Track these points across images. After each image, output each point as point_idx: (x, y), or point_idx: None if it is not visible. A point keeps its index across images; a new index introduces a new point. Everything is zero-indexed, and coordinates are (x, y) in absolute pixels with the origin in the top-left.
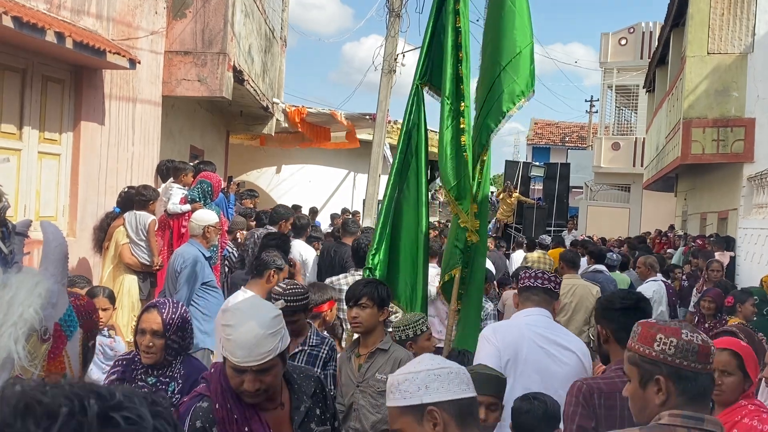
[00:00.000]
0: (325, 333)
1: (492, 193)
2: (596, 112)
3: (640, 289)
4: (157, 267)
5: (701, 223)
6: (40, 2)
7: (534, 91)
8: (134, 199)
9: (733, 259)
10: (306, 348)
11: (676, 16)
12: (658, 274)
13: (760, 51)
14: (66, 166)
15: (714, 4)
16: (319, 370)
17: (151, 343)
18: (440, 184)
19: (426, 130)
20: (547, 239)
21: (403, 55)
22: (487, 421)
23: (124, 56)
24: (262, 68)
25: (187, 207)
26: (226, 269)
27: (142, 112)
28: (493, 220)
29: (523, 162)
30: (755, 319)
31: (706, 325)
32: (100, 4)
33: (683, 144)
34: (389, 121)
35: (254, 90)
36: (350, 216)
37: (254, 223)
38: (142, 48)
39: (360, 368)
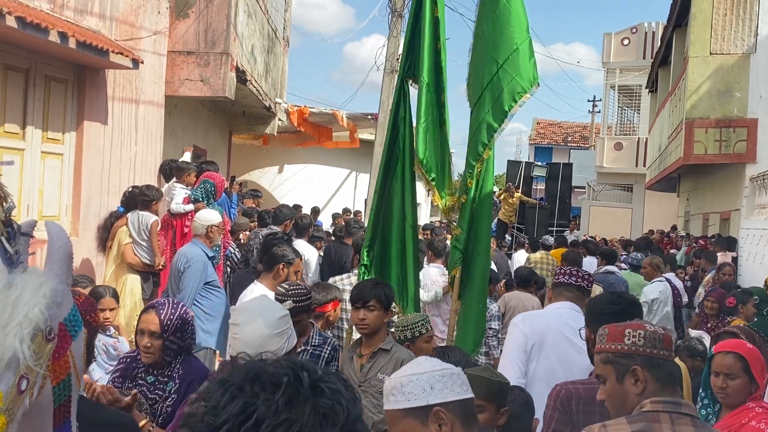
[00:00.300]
0: (328, 332)
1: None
2: (599, 112)
3: (645, 289)
4: (160, 267)
5: (704, 223)
6: (44, 2)
7: (539, 84)
8: (137, 199)
9: (735, 260)
10: (308, 348)
11: (679, 17)
12: (664, 275)
13: (762, 51)
14: (69, 166)
15: (717, 4)
16: None
17: (149, 344)
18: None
19: (412, 124)
20: (549, 239)
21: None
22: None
23: (127, 56)
24: (265, 68)
25: (191, 207)
26: (229, 269)
27: (145, 112)
28: (495, 220)
29: (526, 162)
30: (755, 319)
31: (709, 325)
32: (103, 4)
33: (686, 144)
34: None
35: (257, 90)
36: (351, 216)
37: (254, 223)
38: (145, 48)
39: (362, 368)
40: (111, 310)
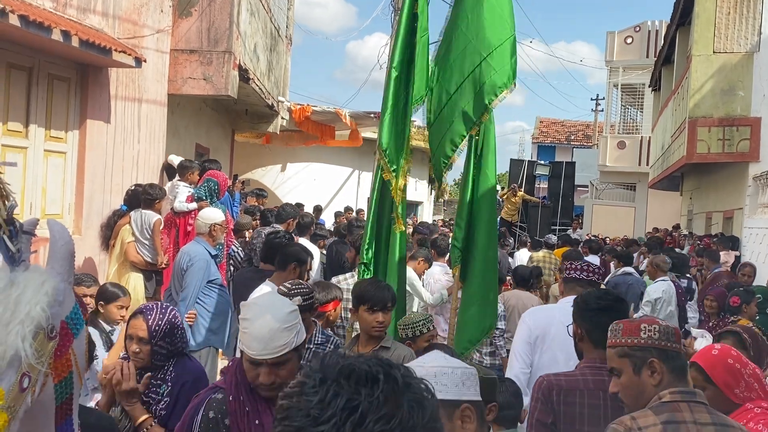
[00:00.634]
0: (329, 331)
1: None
2: (602, 110)
3: (648, 289)
4: (163, 265)
5: (706, 222)
6: (47, 0)
7: (516, 84)
8: (141, 197)
9: (738, 259)
10: (311, 346)
11: (682, 15)
12: (668, 274)
13: (766, 50)
14: (72, 164)
15: (720, 3)
16: None
17: (137, 349)
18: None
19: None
20: (553, 238)
21: None
22: None
23: (129, 55)
24: (268, 67)
25: (194, 205)
26: (232, 268)
27: (147, 110)
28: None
29: (528, 160)
30: (757, 317)
31: (710, 324)
32: (106, 3)
33: (689, 143)
34: None
35: (259, 88)
36: (353, 214)
37: (257, 222)
38: (148, 46)
39: None
40: (127, 308)
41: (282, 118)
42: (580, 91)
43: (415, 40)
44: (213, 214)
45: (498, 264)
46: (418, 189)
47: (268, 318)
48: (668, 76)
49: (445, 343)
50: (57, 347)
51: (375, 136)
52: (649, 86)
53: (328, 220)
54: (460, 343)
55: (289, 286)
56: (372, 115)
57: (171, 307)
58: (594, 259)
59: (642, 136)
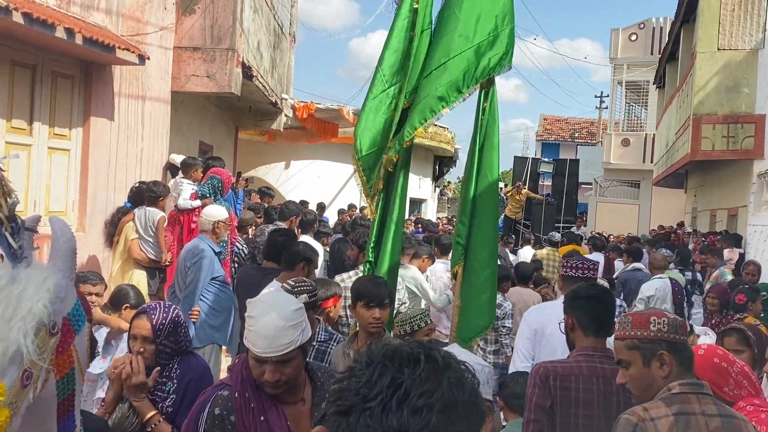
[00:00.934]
0: (329, 328)
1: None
2: (606, 107)
3: (643, 286)
4: (167, 263)
5: (711, 219)
6: None
7: (510, 66)
8: (144, 195)
9: (742, 256)
10: (315, 344)
11: (687, 12)
12: (666, 271)
13: None
14: (75, 162)
15: (725, 0)
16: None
17: (142, 349)
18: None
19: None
20: (556, 236)
21: None
22: None
23: (133, 52)
24: (271, 64)
25: (198, 203)
26: (236, 265)
27: (151, 107)
28: (502, 217)
29: (532, 158)
30: (762, 315)
31: (713, 321)
32: (110, 0)
33: (693, 140)
34: None
35: (263, 86)
36: (357, 211)
37: (261, 219)
38: (151, 44)
39: None
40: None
41: (285, 115)
42: (584, 88)
43: (412, 35)
44: (216, 212)
45: (500, 263)
46: (421, 186)
47: (273, 316)
48: (672, 73)
49: (446, 340)
50: (59, 343)
51: None
52: (654, 83)
53: (331, 217)
54: (457, 341)
55: (293, 283)
56: None
57: (174, 305)
58: (598, 257)
59: (646, 134)
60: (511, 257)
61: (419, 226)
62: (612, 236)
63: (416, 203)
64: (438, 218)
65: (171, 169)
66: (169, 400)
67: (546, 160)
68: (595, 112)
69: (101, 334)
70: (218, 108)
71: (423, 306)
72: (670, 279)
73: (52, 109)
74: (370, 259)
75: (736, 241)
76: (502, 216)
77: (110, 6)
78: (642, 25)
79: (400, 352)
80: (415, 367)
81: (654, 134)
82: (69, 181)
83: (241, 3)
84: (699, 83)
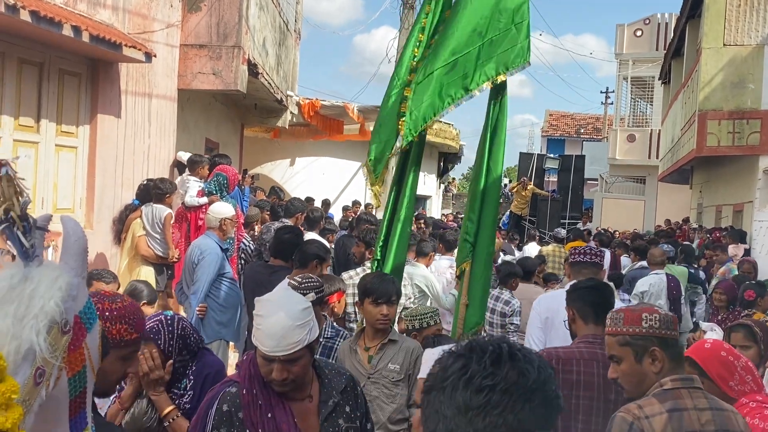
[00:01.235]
0: (335, 324)
1: (505, 185)
2: (611, 103)
3: (637, 282)
4: (174, 259)
5: (716, 215)
6: None
7: (529, 62)
8: (152, 192)
9: (747, 252)
10: (321, 340)
11: (692, 8)
12: (665, 267)
13: None
14: (83, 159)
15: None
16: (335, 362)
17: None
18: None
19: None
20: (561, 232)
21: None
22: None
23: (140, 50)
24: (277, 61)
25: (204, 200)
26: (243, 262)
27: (157, 105)
28: (507, 212)
29: (538, 154)
30: None
31: (720, 317)
32: None
33: (699, 136)
34: None
35: (268, 83)
36: (362, 208)
37: (268, 215)
38: (158, 41)
39: (371, 360)
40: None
41: (291, 112)
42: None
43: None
44: (223, 209)
45: (506, 259)
46: (426, 183)
47: (281, 315)
48: (678, 68)
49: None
50: (71, 341)
51: None
52: (659, 79)
53: (337, 214)
54: (453, 334)
55: (300, 279)
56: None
57: (175, 316)
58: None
59: (652, 129)
60: (517, 253)
61: (421, 222)
62: (618, 232)
63: (421, 200)
64: (443, 215)
65: (178, 166)
66: (187, 396)
67: (551, 156)
68: (601, 108)
69: None
70: (224, 105)
71: (428, 304)
72: (667, 275)
73: (60, 107)
74: (378, 257)
75: (741, 237)
76: (508, 212)
77: (117, 4)
78: (647, 21)
79: (476, 343)
80: (482, 355)
81: (659, 130)
82: (76, 179)
83: (247, 0)
84: (704, 79)
